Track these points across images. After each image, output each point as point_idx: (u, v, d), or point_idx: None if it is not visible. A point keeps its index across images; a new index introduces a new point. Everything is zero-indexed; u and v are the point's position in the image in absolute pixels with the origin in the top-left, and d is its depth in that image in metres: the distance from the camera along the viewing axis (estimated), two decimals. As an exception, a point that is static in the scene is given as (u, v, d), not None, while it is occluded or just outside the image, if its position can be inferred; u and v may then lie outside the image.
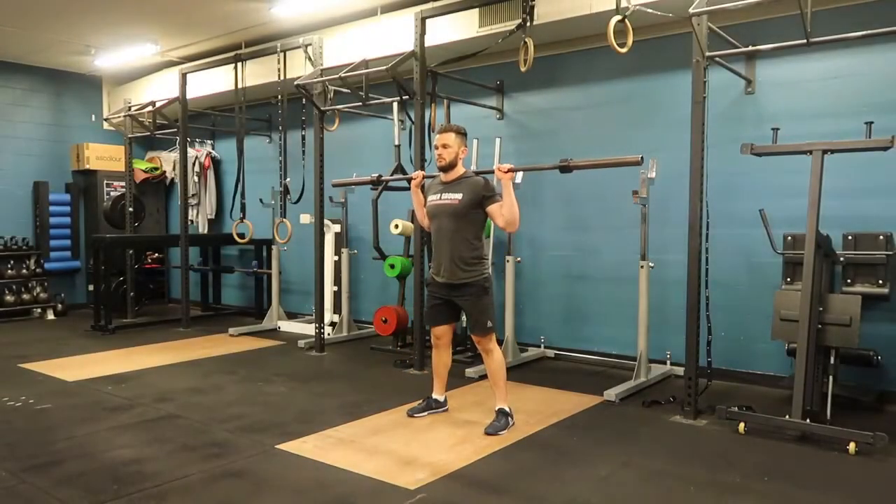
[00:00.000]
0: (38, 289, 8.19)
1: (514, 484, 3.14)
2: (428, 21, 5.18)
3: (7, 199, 8.30)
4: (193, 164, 8.56)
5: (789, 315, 3.92)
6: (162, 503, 2.91)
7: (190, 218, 8.10)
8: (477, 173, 4.01)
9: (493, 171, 3.83)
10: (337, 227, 6.98)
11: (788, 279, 4.45)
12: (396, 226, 5.94)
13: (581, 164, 3.72)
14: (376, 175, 4.46)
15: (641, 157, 3.53)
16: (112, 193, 8.77)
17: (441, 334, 4.08)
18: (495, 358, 3.91)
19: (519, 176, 5.39)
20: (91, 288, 8.17)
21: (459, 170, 3.93)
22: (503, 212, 3.73)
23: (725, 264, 4.89)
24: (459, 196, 3.83)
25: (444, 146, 3.86)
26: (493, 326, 3.89)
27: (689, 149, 4.06)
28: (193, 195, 8.54)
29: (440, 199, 3.91)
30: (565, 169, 3.69)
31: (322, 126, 6.02)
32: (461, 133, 3.92)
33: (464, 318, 5.70)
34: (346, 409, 4.30)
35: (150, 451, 3.52)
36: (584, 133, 5.73)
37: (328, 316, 6.93)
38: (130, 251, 8.21)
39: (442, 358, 4.14)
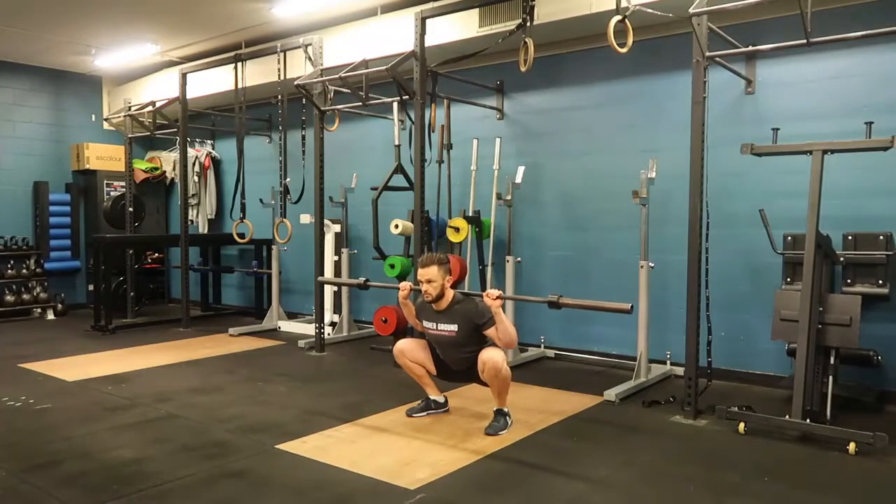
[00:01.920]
0: (38, 289, 8.19)
1: (514, 484, 3.14)
2: (428, 21, 5.18)
3: (7, 199, 8.30)
4: (193, 164, 8.56)
5: (789, 315, 3.92)
6: (162, 503, 2.91)
7: (190, 218, 8.10)
8: (465, 295, 3.98)
9: (482, 295, 3.72)
10: (337, 227, 6.98)
11: (788, 279, 4.45)
12: (396, 226, 5.94)
13: (570, 304, 3.58)
14: (363, 279, 4.39)
15: (631, 306, 3.32)
16: (112, 193, 8.77)
17: (410, 350, 4.09)
18: (503, 376, 3.80)
19: (519, 175, 5.41)
20: (91, 288, 8.18)
21: (448, 296, 3.93)
22: (499, 336, 3.75)
23: (725, 264, 4.88)
24: (454, 328, 3.88)
25: (429, 282, 3.86)
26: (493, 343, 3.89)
27: (689, 149, 4.06)
28: (193, 195, 8.54)
29: (436, 329, 3.96)
30: (554, 305, 3.57)
31: (322, 126, 6.02)
32: (443, 264, 3.91)
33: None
34: (346, 409, 4.30)
35: (150, 451, 3.52)
36: (584, 133, 5.73)
37: (328, 316, 6.93)
38: (130, 251, 8.20)
39: (410, 368, 4.13)
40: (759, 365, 4.91)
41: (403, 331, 6.06)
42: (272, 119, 8.06)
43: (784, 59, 4.73)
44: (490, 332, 3.79)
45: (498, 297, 3.64)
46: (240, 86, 6.63)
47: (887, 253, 4.13)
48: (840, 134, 4.23)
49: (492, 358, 3.75)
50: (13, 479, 3.17)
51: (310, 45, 6.07)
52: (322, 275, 6.24)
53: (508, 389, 3.90)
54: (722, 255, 4.79)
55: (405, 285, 4.04)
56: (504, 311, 3.75)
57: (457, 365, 4.03)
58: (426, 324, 4.03)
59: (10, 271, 8.04)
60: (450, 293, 3.95)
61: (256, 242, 7.68)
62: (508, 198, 5.42)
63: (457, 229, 5.65)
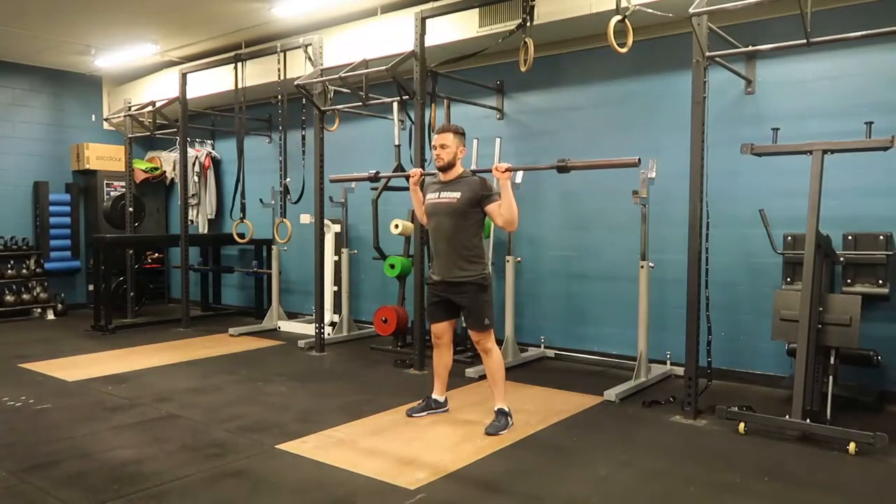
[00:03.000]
0: (38, 289, 8.19)
1: (514, 484, 3.14)
2: (428, 21, 5.18)
3: (7, 199, 8.30)
4: (193, 164, 8.56)
5: (789, 315, 3.92)
6: (162, 503, 2.91)
7: (190, 218, 8.10)
8: (475, 172, 4.01)
9: (491, 171, 3.82)
10: (337, 227, 6.98)
11: (788, 279, 4.45)
12: (396, 226, 5.94)
13: (579, 165, 3.73)
14: (374, 172, 4.46)
15: (639, 159, 3.52)
16: (112, 193, 8.77)
17: (441, 333, 4.06)
18: (494, 358, 3.91)
19: (519, 176, 5.40)
20: (91, 288, 8.17)
21: (458, 169, 3.93)
22: (502, 211, 3.73)
23: (725, 264, 4.89)
24: (457, 195, 3.84)
25: (443, 146, 3.86)
26: (490, 324, 3.89)
27: (689, 149, 4.06)
28: (193, 195, 8.54)
29: (438, 197, 3.92)
30: (563, 169, 3.69)
31: (322, 126, 6.02)
32: (459, 133, 3.92)
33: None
34: (346, 409, 4.30)
35: (150, 451, 3.53)
36: (584, 133, 5.73)
37: (328, 316, 6.93)
38: (130, 251, 8.20)
39: (442, 358, 4.14)
40: (759, 365, 4.91)
41: (403, 331, 6.07)
42: (272, 119, 8.06)
43: (784, 59, 4.73)
44: (492, 207, 3.78)
45: (507, 170, 3.69)
46: (240, 86, 6.63)
47: (887, 253, 4.13)
48: (840, 134, 4.23)
49: (477, 338, 3.88)
50: (13, 479, 3.17)
51: (310, 45, 6.07)
52: (322, 275, 6.23)
53: (503, 379, 3.93)
54: (722, 255, 4.79)
55: (416, 171, 4.06)
56: (514, 187, 3.78)
57: (446, 268, 3.89)
58: (430, 196, 3.98)
59: (10, 271, 8.04)
60: (460, 167, 3.95)
61: (256, 242, 7.68)
62: (508, 198, 5.41)
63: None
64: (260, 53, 6.54)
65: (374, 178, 4.51)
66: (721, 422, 3.89)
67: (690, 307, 4.09)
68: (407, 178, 4.18)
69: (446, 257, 3.90)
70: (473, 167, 5.85)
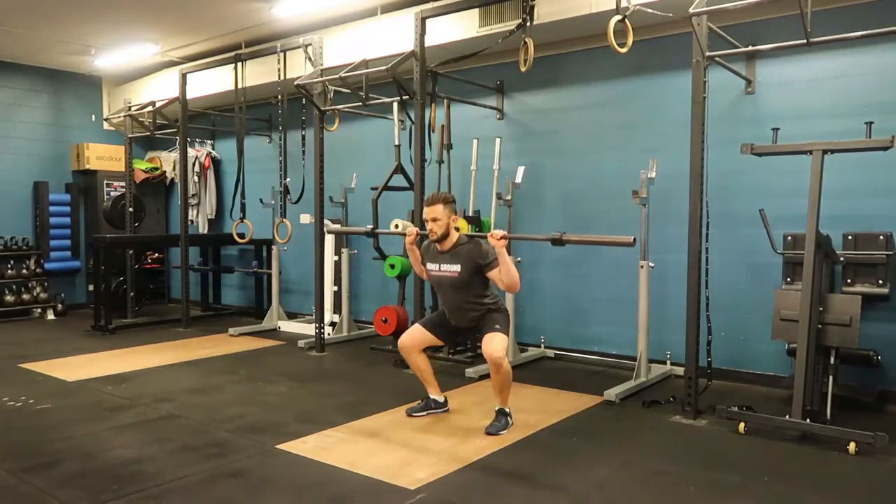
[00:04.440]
0: (38, 289, 8.19)
1: (514, 484, 3.14)
2: (428, 21, 5.18)
3: (7, 199, 8.29)
4: (193, 164, 8.56)
5: (789, 315, 3.92)
6: (162, 503, 2.91)
7: (190, 218, 8.10)
8: (470, 237, 4.02)
9: (486, 236, 3.80)
10: (337, 227, 6.98)
11: (788, 279, 4.45)
12: (396, 226, 5.94)
13: (573, 240, 3.68)
14: (370, 227, 4.54)
15: (634, 239, 3.43)
16: (112, 193, 8.77)
17: (410, 339, 4.08)
18: (503, 373, 3.79)
19: (519, 175, 5.41)
20: (91, 288, 8.17)
21: (453, 237, 3.95)
22: (502, 277, 3.75)
23: (725, 264, 4.89)
24: (458, 268, 3.88)
25: (434, 220, 3.87)
26: (501, 329, 3.86)
27: (689, 149, 4.06)
28: (193, 195, 8.54)
29: (439, 270, 3.97)
30: (557, 242, 3.63)
31: (322, 126, 6.02)
32: (449, 202, 3.92)
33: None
34: (346, 409, 4.30)
35: (150, 451, 3.53)
36: (584, 133, 5.73)
37: (328, 316, 6.93)
38: (130, 251, 8.20)
39: (416, 362, 4.13)
40: (759, 365, 4.91)
41: (403, 330, 6.06)
42: (272, 119, 8.06)
43: (784, 59, 4.73)
44: (493, 273, 3.80)
45: (502, 238, 3.68)
46: (240, 86, 6.63)
47: (887, 253, 4.13)
48: (840, 134, 4.23)
49: (490, 346, 3.75)
50: (13, 479, 3.17)
51: (310, 45, 6.07)
52: (322, 275, 6.23)
53: (510, 387, 3.90)
54: (722, 255, 4.79)
55: (412, 230, 4.07)
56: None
57: (459, 319, 4.00)
58: (430, 266, 4.02)
59: (10, 271, 8.04)
60: (455, 234, 3.96)
61: (256, 242, 7.68)
62: (508, 198, 5.42)
63: (457, 229, 5.63)
64: (260, 53, 6.54)
65: (372, 234, 4.58)
66: (721, 422, 3.89)
67: (690, 307, 4.09)
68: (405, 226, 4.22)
69: (457, 315, 4.01)
70: (473, 167, 5.87)
